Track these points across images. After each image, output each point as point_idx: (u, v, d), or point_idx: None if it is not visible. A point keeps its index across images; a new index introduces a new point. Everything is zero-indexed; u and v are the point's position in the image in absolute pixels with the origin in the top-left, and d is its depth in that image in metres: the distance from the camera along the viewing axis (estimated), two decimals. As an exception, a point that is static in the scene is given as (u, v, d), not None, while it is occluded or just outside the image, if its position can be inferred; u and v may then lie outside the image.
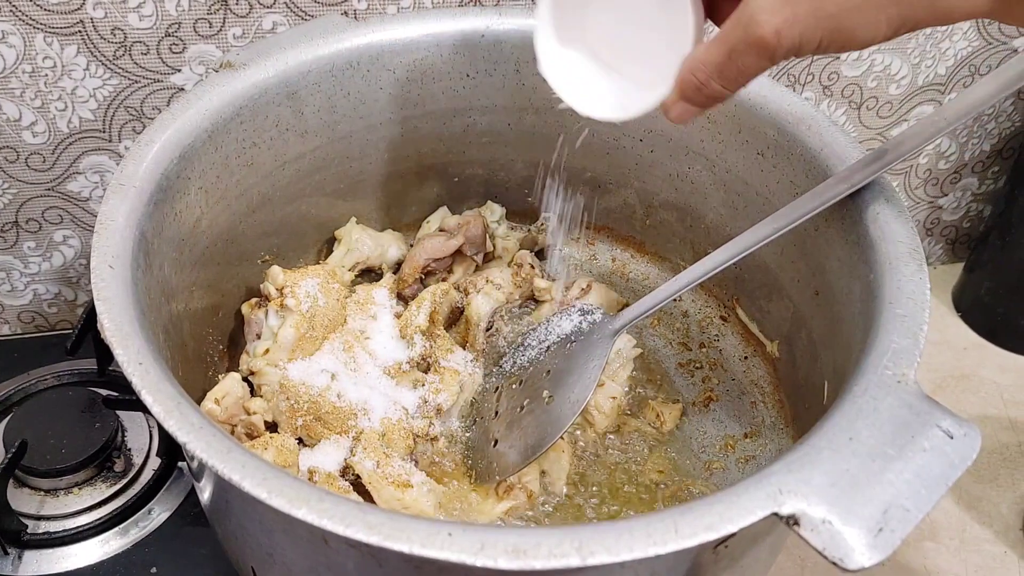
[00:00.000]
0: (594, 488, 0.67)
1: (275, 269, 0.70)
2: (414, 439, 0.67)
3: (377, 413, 0.66)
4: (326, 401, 0.66)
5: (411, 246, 0.80)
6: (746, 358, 0.76)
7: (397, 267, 0.79)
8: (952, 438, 0.45)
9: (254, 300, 0.71)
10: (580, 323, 0.70)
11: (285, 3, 0.76)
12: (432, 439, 0.67)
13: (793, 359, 0.70)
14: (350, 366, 0.68)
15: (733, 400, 0.74)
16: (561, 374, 0.67)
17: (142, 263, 0.56)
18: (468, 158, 0.80)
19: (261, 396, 0.67)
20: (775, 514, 0.42)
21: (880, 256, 0.56)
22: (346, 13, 0.78)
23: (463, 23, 0.73)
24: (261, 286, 0.71)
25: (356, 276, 0.78)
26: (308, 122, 0.71)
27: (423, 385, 0.69)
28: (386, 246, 0.79)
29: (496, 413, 0.68)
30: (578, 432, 0.70)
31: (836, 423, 0.46)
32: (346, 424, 0.65)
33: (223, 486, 0.51)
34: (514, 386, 0.69)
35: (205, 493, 0.57)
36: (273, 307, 0.69)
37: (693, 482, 0.68)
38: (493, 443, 0.66)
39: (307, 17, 0.78)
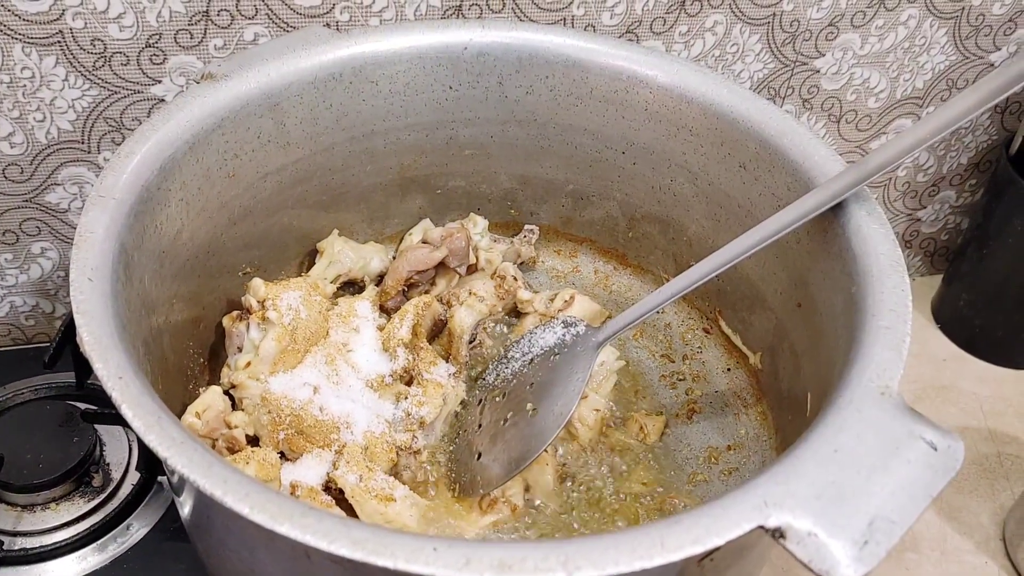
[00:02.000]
0: (578, 501, 0.67)
1: (257, 282, 0.70)
2: (397, 452, 0.66)
3: (360, 426, 0.66)
4: (308, 414, 0.65)
5: (393, 258, 0.79)
6: (729, 370, 0.76)
7: (379, 279, 0.79)
8: (936, 450, 0.46)
9: (235, 313, 0.70)
10: (563, 335, 0.70)
11: (267, 15, 0.76)
12: (415, 452, 0.67)
13: (775, 371, 0.70)
14: (332, 379, 0.68)
15: (716, 412, 0.74)
16: (545, 386, 0.67)
17: (122, 276, 0.55)
18: (451, 170, 0.80)
19: (243, 410, 0.66)
20: (761, 527, 0.42)
21: (862, 268, 0.57)
22: (328, 25, 0.78)
23: (446, 36, 0.73)
24: (243, 299, 0.70)
25: (338, 288, 0.78)
26: (290, 134, 0.70)
27: (406, 398, 0.69)
28: (368, 258, 0.78)
29: (480, 426, 0.68)
30: (562, 445, 0.70)
31: (821, 435, 0.46)
32: (328, 438, 0.65)
33: (204, 501, 0.51)
34: (497, 399, 0.69)
35: (185, 508, 0.57)
36: (255, 320, 0.68)
37: (677, 494, 0.68)
38: (477, 456, 0.66)
39: (289, 29, 0.77)
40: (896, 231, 1.07)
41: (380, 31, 0.72)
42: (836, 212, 0.60)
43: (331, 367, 0.68)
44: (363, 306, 0.74)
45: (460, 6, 0.79)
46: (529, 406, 0.66)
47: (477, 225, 0.81)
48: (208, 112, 0.65)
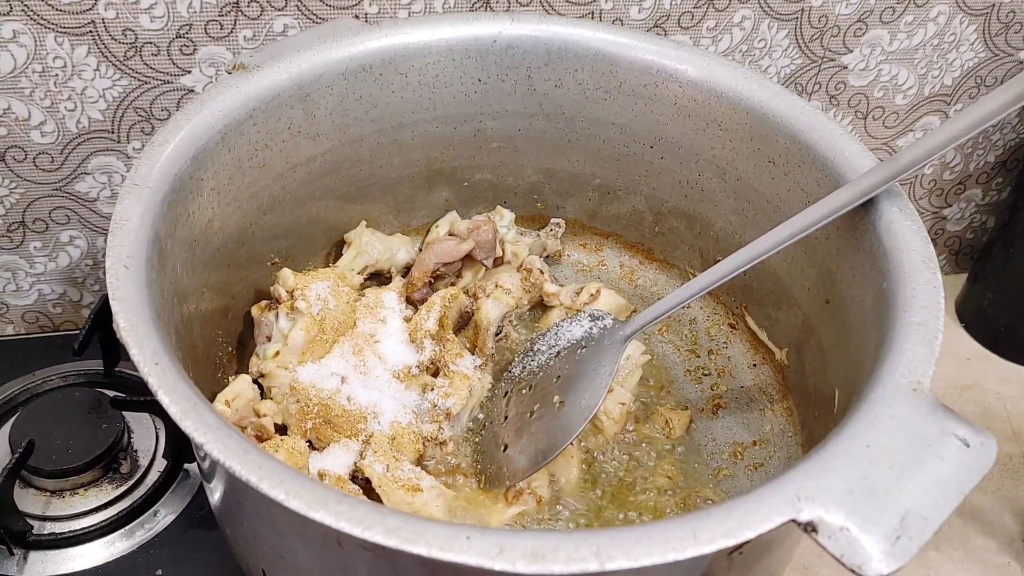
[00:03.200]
0: (603, 494, 0.67)
1: (286, 272, 0.70)
2: (423, 443, 0.67)
3: (387, 417, 0.66)
4: (336, 404, 0.65)
5: (420, 250, 0.80)
6: (755, 365, 0.76)
7: (406, 271, 0.79)
8: (968, 447, 0.45)
9: (264, 302, 0.71)
10: (590, 329, 0.70)
11: (296, 5, 0.77)
12: (441, 443, 0.67)
13: (802, 367, 0.70)
14: (360, 369, 0.68)
15: (742, 407, 0.74)
16: (571, 380, 0.67)
17: (156, 263, 0.55)
18: (478, 163, 0.80)
19: (271, 398, 0.67)
20: (793, 520, 0.42)
21: (893, 264, 0.56)
22: (357, 16, 0.78)
23: (475, 28, 0.73)
24: (271, 288, 0.71)
25: (365, 279, 0.78)
26: (320, 125, 0.71)
27: (432, 389, 0.69)
28: (395, 250, 0.79)
29: (506, 418, 0.68)
30: (587, 437, 0.70)
31: (853, 430, 0.46)
32: (356, 427, 0.65)
33: (237, 487, 0.51)
34: (524, 391, 0.69)
35: (216, 494, 0.57)
36: (284, 310, 0.69)
37: (702, 489, 0.68)
38: (503, 448, 0.66)
39: (318, 20, 0.78)
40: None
41: (410, 23, 0.72)
42: (867, 208, 0.60)
43: (359, 357, 0.69)
44: (390, 297, 0.74)
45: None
46: (556, 399, 0.66)
47: (504, 218, 0.81)
48: (240, 102, 0.65)
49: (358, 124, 0.73)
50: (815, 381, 0.67)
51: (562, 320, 0.73)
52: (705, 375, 0.76)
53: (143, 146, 0.80)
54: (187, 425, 0.45)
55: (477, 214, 0.82)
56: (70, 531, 0.72)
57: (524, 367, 0.71)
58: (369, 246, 0.78)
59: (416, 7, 0.79)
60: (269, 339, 0.69)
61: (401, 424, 0.66)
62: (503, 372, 0.73)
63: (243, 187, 0.67)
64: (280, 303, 0.69)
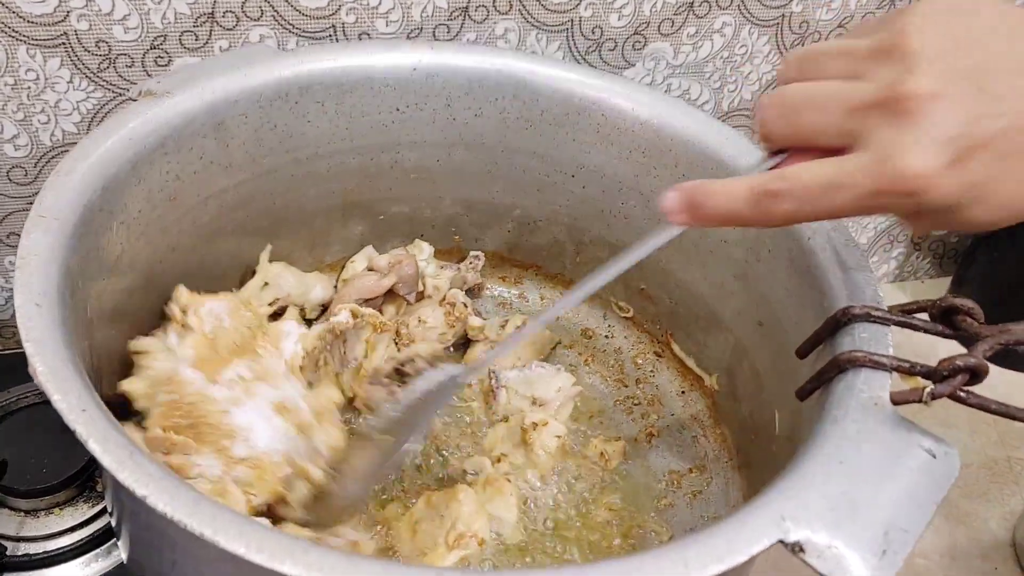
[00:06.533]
0: (544, 529, 0.65)
1: (180, 289, 0.64)
2: (289, 478, 0.62)
3: (260, 445, 0.61)
4: (212, 413, 0.60)
5: (336, 287, 0.76)
6: (683, 392, 0.76)
7: (322, 309, 0.75)
8: (935, 457, 0.46)
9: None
10: (441, 378, 0.67)
11: (272, 16, 0.73)
12: (311, 481, 0.63)
13: (734, 391, 0.70)
14: (248, 392, 0.63)
15: (674, 435, 0.73)
16: (410, 418, 0.64)
17: (68, 301, 0.51)
18: (394, 195, 0.77)
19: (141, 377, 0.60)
20: (781, 541, 0.41)
21: (833, 283, 0.57)
22: (334, 27, 0.74)
23: (394, 57, 0.71)
24: (165, 307, 0.65)
25: (277, 313, 0.74)
26: (233, 155, 0.67)
27: (309, 426, 0.65)
28: (310, 286, 0.75)
29: (352, 457, 0.65)
30: (525, 473, 0.68)
31: (823, 448, 0.46)
32: (220, 443, 0.59)
33: (176, 542, 0.46)
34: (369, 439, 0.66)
35: (138, 550, 0.52)
36: (174, 327, 0.63)
37: (644, 520, 0.67)
38: (344, 482, 0.63)
39: (294, 30, 0.74)
40: (906, 233, 1.08)
41: (328, 50, 0.70)
42: (799, 228, 0.61)
43: (248, 383, 0.64)
44: (289, 326, 0.70)
45: (467, 7, 0.77)
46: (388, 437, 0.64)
47: (423, 251, 0.79)
48: (151, 129, 0.61)
49: (273, 154, 0.69)
50: (750, 404, 0.68)
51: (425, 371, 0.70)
52: (635, 405, 0.75)
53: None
54: (124, 477, 0.41)
55: (393, 248, 0.80)
56: (45, 552, 0.69)
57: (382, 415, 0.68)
58: (281, 278, 0.74)
59: (394, 16, 0.75)
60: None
61: (270, 458, 0.61)
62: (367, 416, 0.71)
63: (152, 220, 0.63)
64: (172, 320, 0.64)
